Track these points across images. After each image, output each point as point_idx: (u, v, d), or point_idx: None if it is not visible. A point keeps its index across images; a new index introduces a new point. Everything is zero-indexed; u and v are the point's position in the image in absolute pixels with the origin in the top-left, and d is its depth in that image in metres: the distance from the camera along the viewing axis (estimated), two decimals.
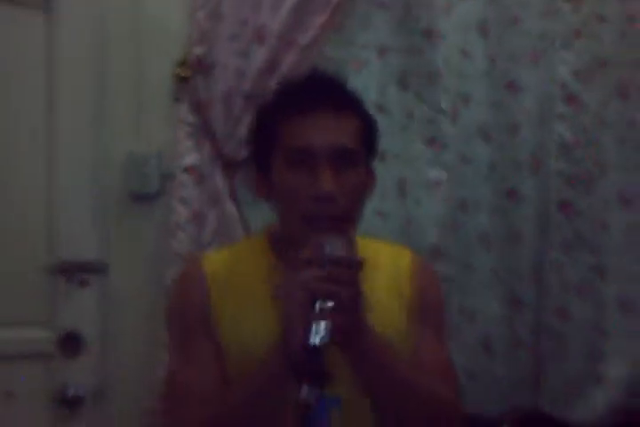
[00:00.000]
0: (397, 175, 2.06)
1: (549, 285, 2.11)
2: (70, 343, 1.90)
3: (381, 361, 1.14)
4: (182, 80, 1.93)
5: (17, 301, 1.90)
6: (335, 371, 1.02)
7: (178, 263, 1.89)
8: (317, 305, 1.02)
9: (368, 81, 2.05)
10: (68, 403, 1.88)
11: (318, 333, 1.01)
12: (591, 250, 2.13)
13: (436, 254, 2.04)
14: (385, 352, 1.15)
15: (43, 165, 1.92)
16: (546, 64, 2.11)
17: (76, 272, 1.92)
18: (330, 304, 1.03)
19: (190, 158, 1.92)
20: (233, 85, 1.90)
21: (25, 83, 1.93)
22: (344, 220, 1.19)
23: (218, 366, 1.21)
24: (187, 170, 1.92)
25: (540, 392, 2.12)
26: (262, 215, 1.91)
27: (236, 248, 1.39)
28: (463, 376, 2.05)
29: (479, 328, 2.08)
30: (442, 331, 1.35)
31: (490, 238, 2.09)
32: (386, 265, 1.29)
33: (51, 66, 1.92)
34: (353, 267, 1.07)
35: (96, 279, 1.94)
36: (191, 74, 1.91)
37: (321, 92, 1.21)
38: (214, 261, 1.30)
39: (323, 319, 1.02)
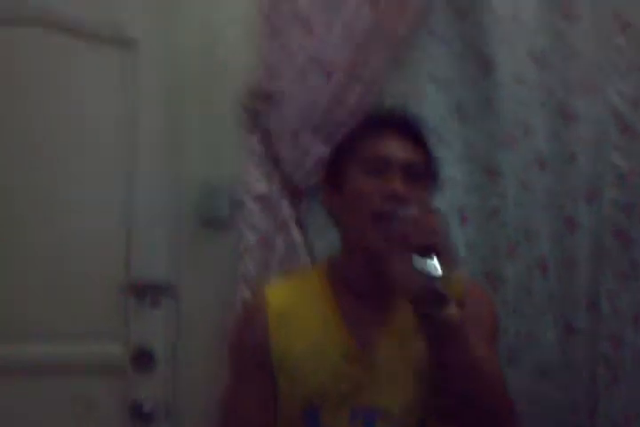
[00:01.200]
0: (457, 203, 2.13)
1: (604, 312, 2.14)
2: (142, 360, 2.01)
3: (458, 333, 1.17)
4: (252, 112, 2.01)
5: (94, 317, 2.03)
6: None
7: (245, 287, 1.98)
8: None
9: (428, 112, 2.13)
10: (143, 417, 1.98)
11: (430, 266, 1.12)
12: None
13: (495, 280, 2.10)
14: (461, 326, 1.18)
15: (122, 191, 2.04)
16: (601, 94, 2.16)
17: (148, 293, 2.02)
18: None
19: (259, 187, 2.01)
20: (301, 118, 1.98)
21: (106, 114, 2.06)
22: None
23: (267, 400, 1.32)
24: (256, 198, 2.00)
25: (596, 418, 2.16)
26: (327, 242, 2.01)
27: (297, 278, 1.48)
28: (521, 400, 2.11)
29: (536, 353, 2.10)
30: (492, 344, 1.39)
31: (547, 265, 2.13)
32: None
33: (129, 98, 2.04)
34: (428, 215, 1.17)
35: (167, 300, 2.04)
36: (261, 106, 2.00)
37: (402, 123, 1.37)
38: (276, 292, 1.40)
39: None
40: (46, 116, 2.03)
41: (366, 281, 1.32)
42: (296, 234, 2.00)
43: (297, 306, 1.35)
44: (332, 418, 1.29)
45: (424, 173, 1.35)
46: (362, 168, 1.31)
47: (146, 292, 2.02)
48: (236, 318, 1.46)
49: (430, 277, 1.11)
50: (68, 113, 2.04)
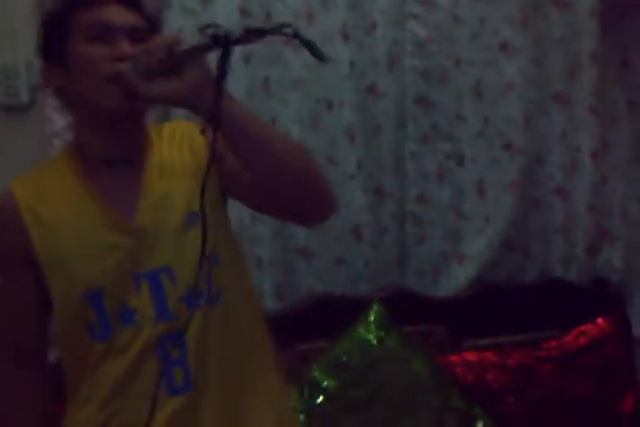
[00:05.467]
0: (261, 76, 2.16)
1: (410, 174, 2.28)
2: None
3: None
4: None
5: None
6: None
7: None
8: None
9: None
10: None
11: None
12: (447, 139, 2.30)
13: None
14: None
15: None
16: None
17: None
18: None
19: None
20: None
21: None
22: None
23: (31, 299, 1.33)
24: None
25: (407, 273, 2.32)
26: None
27: (43, 168, 1.40)
28: (336, 263, 2.24)
29: (347, 218, 2.21)
30: None
31: (353, 133, 2.23)
32: (181, 136, 1.37)
33: None
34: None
35: None
36: None
37: None
38: (23, 186, 1.33)
39: None
40: None
41: (110, 148, 1.30)
42: None
43: (48, 194, 1.31)
44: (116, 294, 1.27)
45: (150, 36, 1.29)
46: (84, 36, 1.26)
47: None
48: None
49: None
50: None
